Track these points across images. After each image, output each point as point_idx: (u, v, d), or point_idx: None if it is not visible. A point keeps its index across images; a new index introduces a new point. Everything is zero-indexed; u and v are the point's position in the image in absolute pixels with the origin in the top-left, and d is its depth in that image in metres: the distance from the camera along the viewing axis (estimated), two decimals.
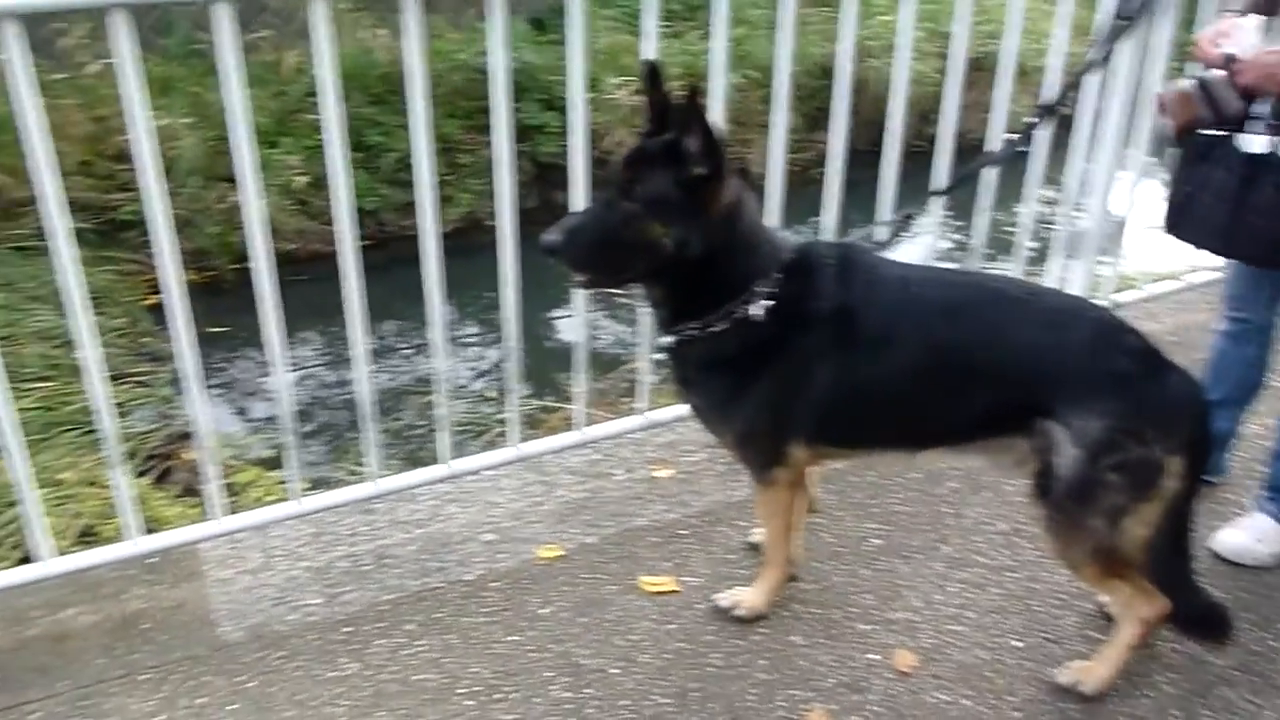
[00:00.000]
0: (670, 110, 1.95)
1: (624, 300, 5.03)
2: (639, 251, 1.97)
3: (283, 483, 3.07)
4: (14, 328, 4.72)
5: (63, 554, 2.49)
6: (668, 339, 2.12)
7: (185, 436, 4.43)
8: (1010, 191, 3.16)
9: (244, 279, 2.46)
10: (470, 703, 2.21)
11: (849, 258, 2.12)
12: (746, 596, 2.42)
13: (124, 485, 2.44)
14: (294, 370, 2.38)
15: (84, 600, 2.48)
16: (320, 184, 6.33)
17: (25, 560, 2.69)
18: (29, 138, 2.02)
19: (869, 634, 2.38)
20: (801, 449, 2.17)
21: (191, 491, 3.96)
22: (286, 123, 6.64)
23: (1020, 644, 2.35)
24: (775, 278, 2.05)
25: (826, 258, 2.10)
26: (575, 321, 2.83)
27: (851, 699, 2.22)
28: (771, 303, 2.03)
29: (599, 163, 2.55)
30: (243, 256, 2.42)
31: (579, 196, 2.57)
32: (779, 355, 2.06)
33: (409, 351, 5.79)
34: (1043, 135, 3.02)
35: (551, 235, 1.98)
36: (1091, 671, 2.22)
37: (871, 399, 2.09)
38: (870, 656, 2.32)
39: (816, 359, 2.05)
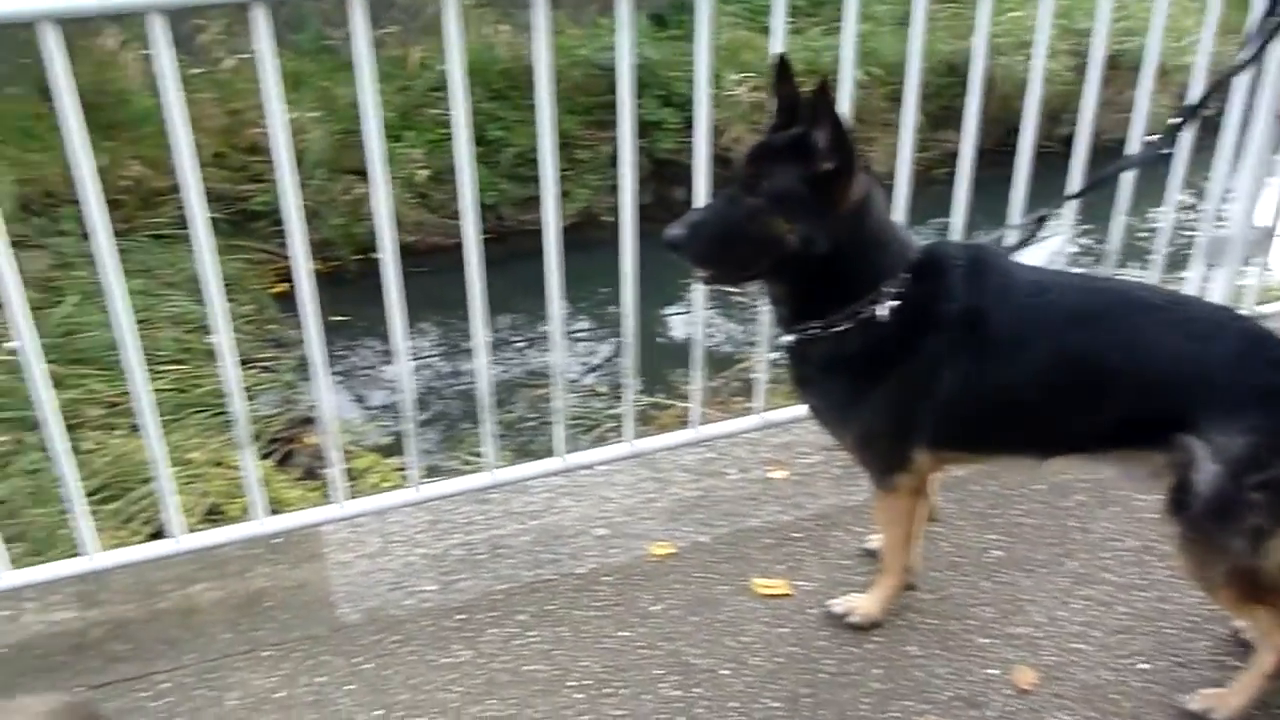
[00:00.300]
0: (799, 104, 1.92)
1: (739, 298, 5.00)
2: (763, 248, 1.94)
3: (400, 470, 3.14)
4: (150, 312, 4.93)
5: (192, 531, 2.57)
6: (789, 337, 2.09)
7: (307, 421, 4.57)
8: (1144, 196, 3.03)
9: (365, 270, 2.52)
10: (580, 696, 2.22)
11: (980, 259, 2.06)
12: (862, 603, 2.37)
13: (251, 467, 2.51)
14: (413, 360, 2.45)
15: (211, 577, 2.57)
16: (441, 178, 6.47)
17: (157, 535, 2.80)
18: (173, 130, 2.09)
19: (988, 648, 2.31)
20: (925, 454, 2.12)
21: (312, 475, 4.08)
22: (410, 117, 6.79)
23: (1148, 666, 2.26)
24: (903, 278, 2.00)
25: (956, 259, 2.04)
26: (692, 318, 2.82)
27: (968, 714, 2.16)
28: (899, 303, 1.98)
29: (718, 159, 2.54)
30: (364, 248, 2.48)
31: (700, 192, 2.55)
32: (905, 357, 2.01)
33: (522, 345, 5.87)
34: (1184, 138, 2.89)
35: (674, 230, 1.96)
36: (1224, 700, 2.11)
37: (1001, 405, 2.02)
38: (989, 671, 2.26)
39: (945, 362, 2.00)
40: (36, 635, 2.41)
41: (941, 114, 5.66)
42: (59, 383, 2.40)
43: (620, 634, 2.38)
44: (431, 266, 4.83)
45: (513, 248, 5.29)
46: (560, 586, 2.52)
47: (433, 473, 2.70)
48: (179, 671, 2.30)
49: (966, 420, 2.06)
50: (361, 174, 2.31)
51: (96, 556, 2.44)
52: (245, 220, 6.18)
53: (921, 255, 2.04)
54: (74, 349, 4.54)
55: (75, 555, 2.45)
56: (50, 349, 2.54)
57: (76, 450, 2.42)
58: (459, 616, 2.44)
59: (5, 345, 2.29)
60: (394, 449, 3.88)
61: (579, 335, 5.96)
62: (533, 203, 2.49)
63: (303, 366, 2.60)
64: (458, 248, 2.44)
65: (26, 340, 2.16)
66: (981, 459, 2.36)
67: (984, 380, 2.00)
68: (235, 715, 2.19)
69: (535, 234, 2.52)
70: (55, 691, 2.17)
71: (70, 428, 2.37)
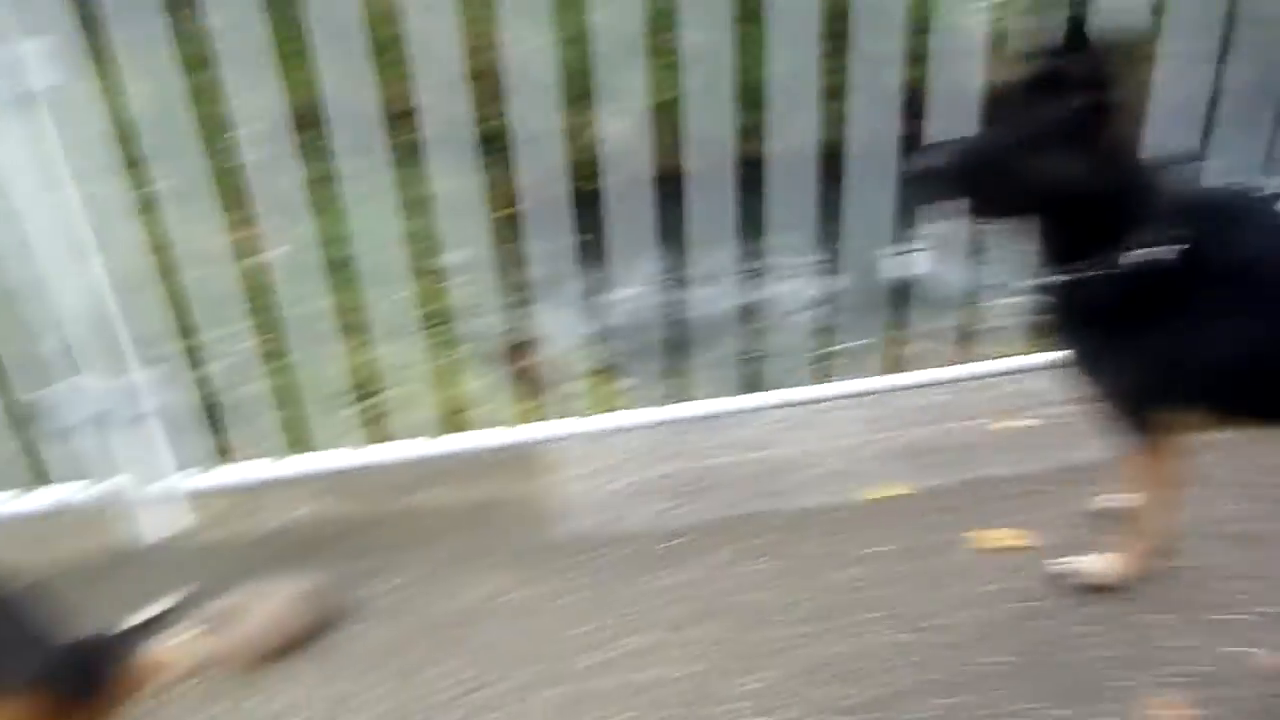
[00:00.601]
0: (1064, 36, 1.77)
1: (978, 238, 4.78)
2: (1021, 184, 1.82)
3: (623, 393, 3.19)
4: (390, 229, 5.14)
5: (428, 439, 2.69)
6: (1044, 281, 1.96)
7: (533, 341, 4.70)
8: None
9: (593, 195, 2.54)
10: (790, 631, 2.20)
11: (1256, 206, 1.87)
12: (1099, 566, 2.24)
13: (484, 382, 2.60)
14: (639, 287, 2.47)
15: (442, 483, 2.69)
16: (675, 104, 6.45)
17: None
18: (431, 57, 2.15)
19: (1234, 625, 2.14)
20: (1184, 413, 1.96)
21: (537, 393, 4.19)
22: (646, 41, 6.77)
23: None
24: (1170, 222, 1.83)
25: (1229, 204, 1.86)
26: (928, 256, 2.71)
27: (1206, 692, 2.00)
28: (1166, 249, 1.82)
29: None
30: (592, 173, 2.48)
31: (940, 127, 2.41)
32: (1170, 308, 1.85)
33: (749, 275, 5.81)
34: None
35: (928, 161, 1.87)
36: None
37: (1274, 366, 1.84)
38: (1233, 649, 2.09)
39: (1214, 315, 1.82)
40: (287, 524, 2.59)
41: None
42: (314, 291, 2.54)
43: (838, 574, 2.34)
44: (660, 193, 4.83)
45: (745, 176, 5.22)
46: (778, 520, 2.51)
47: (653, 399, 2.72)
48: (410, 570, 2.42)
49: (1233, 378, 1.88)
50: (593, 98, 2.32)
51: (344, 454, 2.59)
52: (479, 142, 6.35)
53: (1191, 199, 1.87)
54: (319, 261, 4.80)
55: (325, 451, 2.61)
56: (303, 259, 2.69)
57: (324, 356, 2.57)
58: (677, 540, 2.46)
59: (271, 252, 2.44)
60: (617, 373, 3.94)
61: (806, 269, 5.85)
62: (765, 132, 2.43)
63: (531, 286, 2.65)
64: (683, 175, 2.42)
65: (291, 250, 2.29)
66: (1247, 423, 2.16)
67: (1255, 337, 1.82)
68: (455, 618, 2.29)
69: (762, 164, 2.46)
70: (305, 576, 2.33)
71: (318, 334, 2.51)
